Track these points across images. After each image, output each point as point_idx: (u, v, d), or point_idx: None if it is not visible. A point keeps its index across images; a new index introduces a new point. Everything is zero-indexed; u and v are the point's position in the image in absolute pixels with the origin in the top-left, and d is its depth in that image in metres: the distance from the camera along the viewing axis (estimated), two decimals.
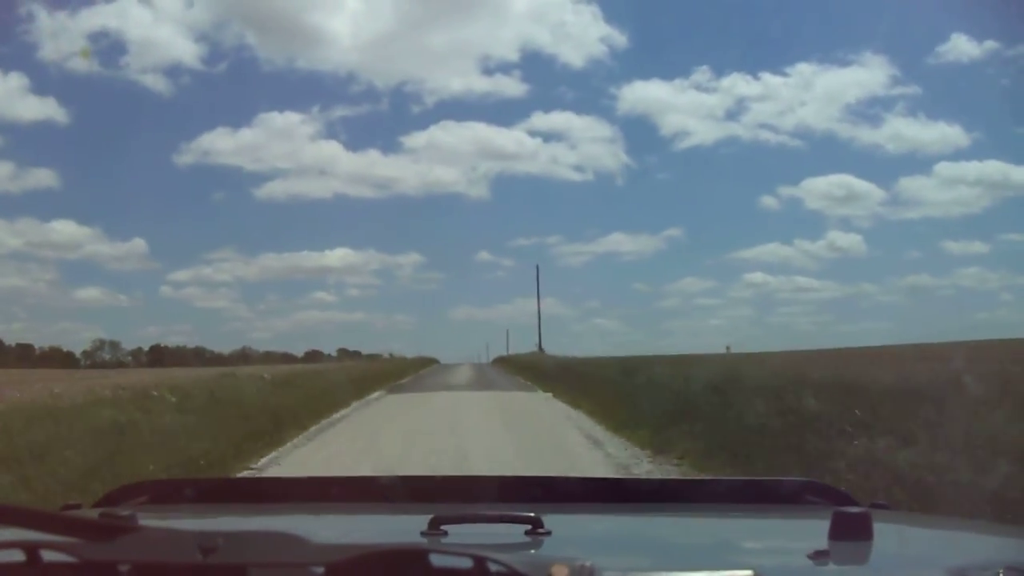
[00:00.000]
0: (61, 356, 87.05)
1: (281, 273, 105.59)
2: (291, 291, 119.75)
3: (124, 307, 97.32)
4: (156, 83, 78.12)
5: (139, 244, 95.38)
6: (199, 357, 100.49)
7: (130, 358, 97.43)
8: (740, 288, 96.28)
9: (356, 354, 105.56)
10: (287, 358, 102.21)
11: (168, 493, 1.97)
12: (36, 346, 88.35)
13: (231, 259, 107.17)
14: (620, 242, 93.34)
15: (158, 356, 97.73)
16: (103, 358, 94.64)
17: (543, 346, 64.91)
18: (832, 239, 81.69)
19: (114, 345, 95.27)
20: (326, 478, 2.18)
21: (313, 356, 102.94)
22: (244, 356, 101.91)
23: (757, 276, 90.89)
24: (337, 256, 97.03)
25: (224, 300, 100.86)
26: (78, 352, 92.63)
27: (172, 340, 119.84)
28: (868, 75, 78.65)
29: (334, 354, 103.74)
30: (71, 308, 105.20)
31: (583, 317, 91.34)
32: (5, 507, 1.22)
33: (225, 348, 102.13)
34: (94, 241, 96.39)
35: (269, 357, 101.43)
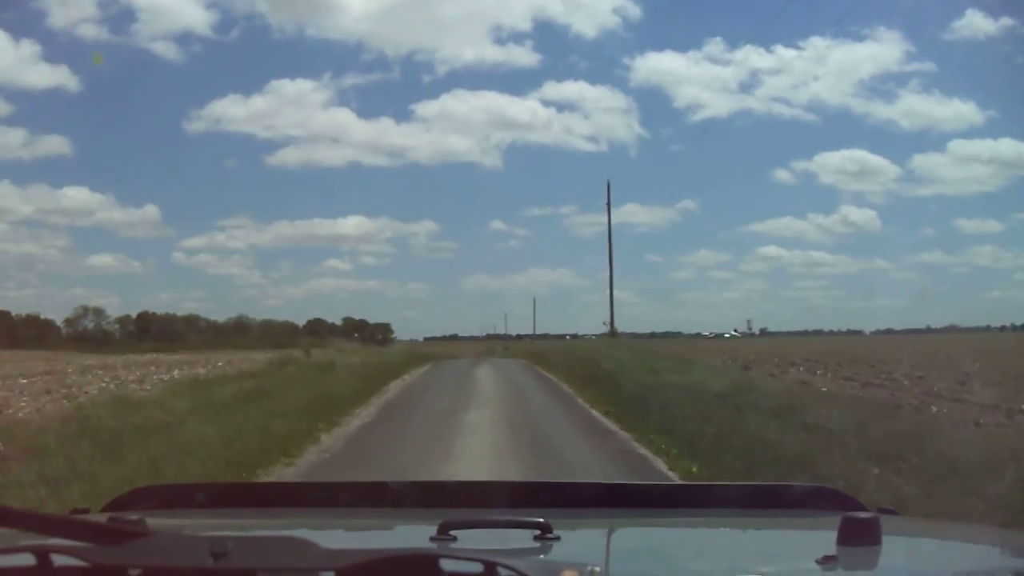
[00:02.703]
0: (39, 325, 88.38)
1: (294, 241, 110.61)
2: (305, 259, 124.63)
3: (137, 274, 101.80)
4: (167, 50, 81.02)
5: (152, 211, 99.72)
6: (191, 326, 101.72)
7: (117, 326, 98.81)
8: (754, 261, 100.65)
9: (362, 323, 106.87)
10: (288, 328, 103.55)
11: (177, 497, 2.06)
12: (13, 313, 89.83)
13: (244, 226, 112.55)
14: (634, 213, 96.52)
15: (145, 324, 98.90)
16: (85, 327, 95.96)
17: (614, 325, 47.02)
18: (846, 214, 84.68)
19: (98, 312, 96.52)
20: (336, 483, 2.30)
21: (316, 326, 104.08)
22: (241, 326, 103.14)
23: (771, 249, 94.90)
24: (351, 224, 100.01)
25: (237, 267, 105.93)
26: (59, 320, 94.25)
27: (186, 307, 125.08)
28: (883, 50, 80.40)
29: (339, 323, 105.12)
30: (84, 275, 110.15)
31: (597, 288, 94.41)
32: (15, 511, 1.31)
33: (223, 316, 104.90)
34: (106, 207, 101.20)
35: (268, 327, 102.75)
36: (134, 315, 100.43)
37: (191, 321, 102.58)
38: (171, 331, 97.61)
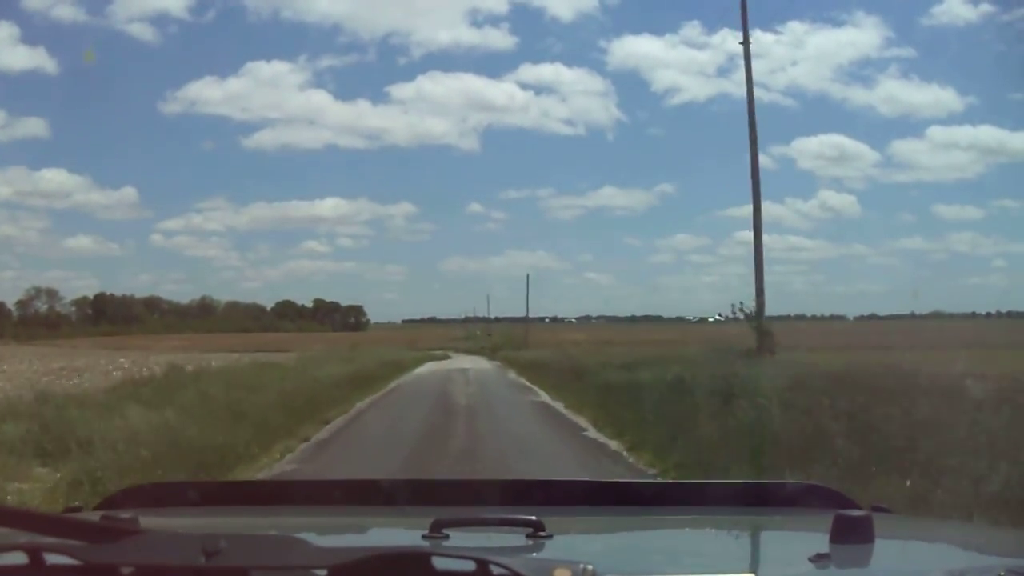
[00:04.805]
0: None
1: (272, 223, 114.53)
2: (282, 241, 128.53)
3: (116, 256, 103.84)
4: (144, 32, 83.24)
5: (130, 192, 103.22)
6: (152, 308, 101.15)
7: (73, 308, 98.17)
8: (732, 245, 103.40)
9: (333, 306, 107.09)
10: (255, 310, 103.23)
11: (170, 496, 2.14)
12: None
13: (222, 208, 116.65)
14: (612, 196, 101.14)
15: (101, 306, 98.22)
16: (38, 309, 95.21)
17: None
18: (824, 199, 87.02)
19: (51, 294, 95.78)
20: (328, 481, 2.38)
21: (285, 309, 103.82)
22: (205, 307, 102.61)
23: (749, 234, 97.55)
24: (328, 206, 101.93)
25: (216, 249, 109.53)
26: (11, 302, 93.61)
27: (165, 289, 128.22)
28: (861, 35, 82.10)
29: (309, 305, 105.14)
30: (62, 257, 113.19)
31: (575, 271, 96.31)
32: (7, 509, 1.39)
33: (185, 298, 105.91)
34: (84, 189, 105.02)
35: (234, 308, 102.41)
36: (91, 296, 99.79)
37: (151, 303, 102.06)
38: (128, 314, 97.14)
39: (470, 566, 1.24)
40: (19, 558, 1.31)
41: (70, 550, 1.28)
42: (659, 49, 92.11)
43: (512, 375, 33.09)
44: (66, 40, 78.88)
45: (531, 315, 73.82)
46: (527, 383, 27.80)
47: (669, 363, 18.20)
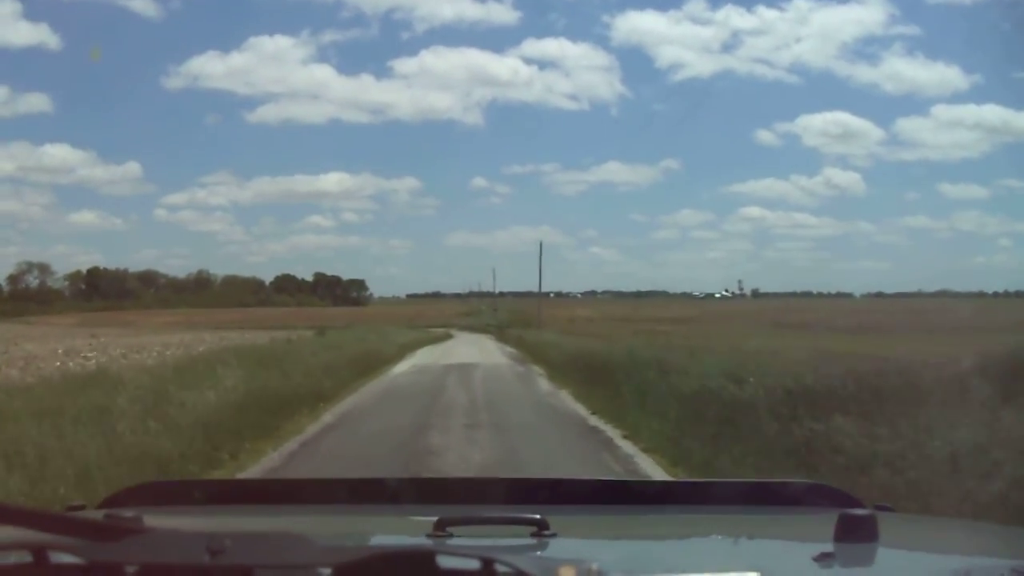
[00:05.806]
0: None
1: (276, 197, 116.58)
2: (287, 215, 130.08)
3: (119, 231, 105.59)
4: (146, 7, 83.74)
5: (133, 167, 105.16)
6: (148, 282, 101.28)
7: (66, 283, 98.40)
8: (737, 222, 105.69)
9: (334, 280, 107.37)
10: (254, 284, 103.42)
11: (174, 494, 2.17)
12: None
13: (226, 182, 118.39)
14: (616, 171, 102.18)
15: (94, 281, 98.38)
16: (29, 284, 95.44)
17: None
18: (829, 176, 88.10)
19: (43, 269, 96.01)
20: (333, 480, 2.41)
21: (284, 283, 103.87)
22: (201, 282, 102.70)
23: (754, 210, 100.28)
24: (332, 180, 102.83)
25: (220, 223, 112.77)
26: (2, 277, 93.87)
27: (170, 264, 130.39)
28: (866, 13, 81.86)
29: (309, 279, 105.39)
30: (66, 232, 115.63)
31: (579, 246, 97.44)
32: (11, 508, 1.40)
33: (181, 272, 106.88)
34: (88, 164, 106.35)
35: (231, 283, 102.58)
36: (84, 271, 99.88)
37: (146, 277, 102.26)
38: (122, 288, 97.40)
39: (475, 565, 1.25)
40: (23, 556, 1.33)
41: (74, 548, 1.30)
42: (663, 25, 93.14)
43: (544, 384, 20.75)
44: (69, 16, 79.60)
45: (534, 290, 73.60)
46: (592, 419, 13.92)
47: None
